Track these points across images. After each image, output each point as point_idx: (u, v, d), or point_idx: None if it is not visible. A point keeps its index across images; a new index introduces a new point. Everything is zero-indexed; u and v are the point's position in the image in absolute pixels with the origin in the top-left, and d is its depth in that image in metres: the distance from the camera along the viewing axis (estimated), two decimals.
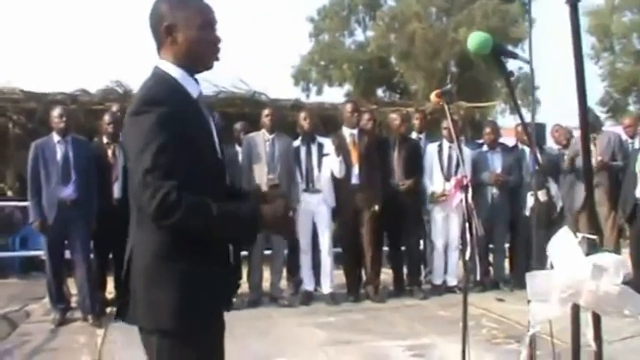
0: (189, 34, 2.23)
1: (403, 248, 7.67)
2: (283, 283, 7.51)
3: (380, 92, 24.56)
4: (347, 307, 6.93)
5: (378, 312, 6.66)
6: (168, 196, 2.00)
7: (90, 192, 6.22)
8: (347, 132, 7.32)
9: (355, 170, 7.15)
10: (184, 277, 2.14)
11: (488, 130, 8.09)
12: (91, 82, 12.38)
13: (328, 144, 7.19)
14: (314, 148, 7.20)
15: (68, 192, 6.11)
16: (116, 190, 6.44)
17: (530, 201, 7.33)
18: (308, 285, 7.22)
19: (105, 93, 10.28)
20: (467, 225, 3.99)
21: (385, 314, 6.55)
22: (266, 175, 6.90)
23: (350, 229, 7.25)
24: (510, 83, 2.36)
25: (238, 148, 7.31)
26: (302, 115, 7.37)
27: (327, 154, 7.14)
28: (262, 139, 7.09)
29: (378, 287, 7.31)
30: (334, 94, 25.40)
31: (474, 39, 2.30)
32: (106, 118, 6.70)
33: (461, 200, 4.08)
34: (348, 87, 24.87)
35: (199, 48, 2.25)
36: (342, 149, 7.09)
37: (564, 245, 1.80)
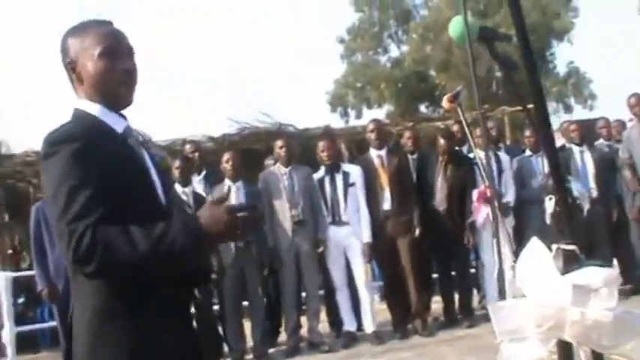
0: (90, 68, 2.11)
1: (454, 273, 7.35)
2: (323, 326, 7.28)
3: (423, 108, 24.23)
4: (393, 345, 6.68)
5: (427, 347, 6.40)
6: (83, 237, 1.83)
7: None
8: (374, 154, 7.14)
9: (386, 194, 6.92)
10: (130, 338, 1.96)
11: (528, 133, 7.78)
12: None
13: (355, 171, 6.97)
14: (339, 178, 7.01)
15: None
16: None
17: (549, 206, 6.72)
18: (349, 325, 6.97)
19: None
20: (494, 241, 3.70)
21: (435, 349, 6.30)
22: (288, 212, 6.74)
23: (387, 260, 6.99)
24: (507, 68, 2.09)
25: None
26: (320, 145, 7.19)
27: (353, 184, 6.91)
28: (279, 173, 6.94)
29: (426, 320, 7.03)
30: (374, 117, 25.23)
31: (455, 25, 2.09)
32: None
33: (487, 215, 3.82)
34: (388, 107, 24.61)
35: (102, 81, 2.11)
36: (369, 173, 6.90)
37: (535, 262, 1.52)
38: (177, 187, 6.56)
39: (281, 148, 7.03)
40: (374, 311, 6.97)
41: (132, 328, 1.97)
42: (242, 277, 6.70)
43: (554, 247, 1.53)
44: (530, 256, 1.55)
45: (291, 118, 11.20)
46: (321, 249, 6.86)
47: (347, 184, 6.96)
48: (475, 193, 4.29)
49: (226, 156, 6.90)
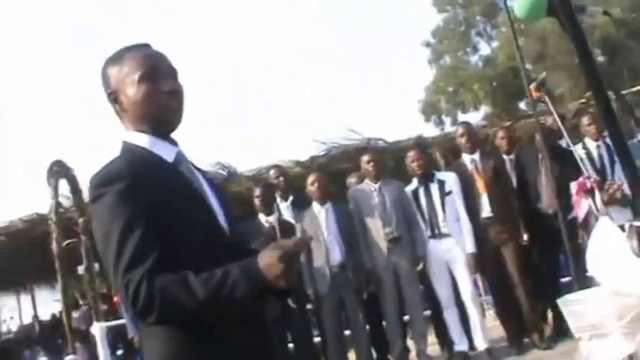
0: (131, 94, 2.07)
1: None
2: (433, 348, 7.04)
3: (523, 105, 23.53)
4: None
5: None
6: (140, 289, 1.82)
7: None
8: (467, 159, 6.89)
9: (484, 201, 6.64)
10: None
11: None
12: None
13: (451, 179, 6.74)
14: (434, 188, 6.77)
15: None
16: None
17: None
18: (460, 345, 6.68)
19: None
20: None
21: None
22: (382, 229, 6.57)
23: (494, 271, 6.70)
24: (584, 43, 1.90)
25: None
26: (409, 156, 6.99)
27: (449, 192, 6.68)
28: (368, 190, 6.78)
29: (543, 331, 6.64)
30: (471, 121, 24.69)
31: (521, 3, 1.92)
32: None
33: (589, 208, 3.55)
34: (485, 108, 24.05)
35: (146, 107, 2.07)
36: (465, 180, 6.66)
37: (606, 245, 1.32)
38: (261, 217, 6.52)
39: (368, 163, 6.87)
40: (485, 327, 6.66)
41: None
42: (340, 304, 6.57)
43: (626, 225, 1.33)
44: (600, 239, 1.36)
45: (381, 132, 11.03)
46: (420, 266, 6.65)
47: (443, 193, 6.71)
48: (573, 186, 3.95)
49: (311, 178, 6.81)
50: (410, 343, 6.97)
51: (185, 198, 2.01)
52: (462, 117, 24.19)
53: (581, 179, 3.71)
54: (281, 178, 7.41)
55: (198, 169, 2.20)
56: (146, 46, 2.16)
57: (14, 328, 18.79)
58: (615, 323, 1.33)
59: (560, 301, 1.45)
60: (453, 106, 24.54)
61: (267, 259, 1.84)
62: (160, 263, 1.85)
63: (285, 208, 7.24)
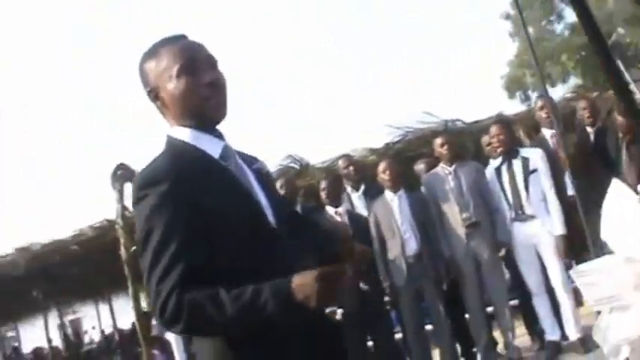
0: (171, 89, 2.10)
1: None
2: (523, 339, 6.91)
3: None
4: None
5: None
6: (168, 301, 1.88)
7: None
8: (547, 133, 6.76)
9: (567, 178, 6.44)
10: None
11: None
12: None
13: (536, 156, 6.59)
14: (517, 165, 6.62)
15: None
16: None
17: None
18: (551, 334, 6.53)
19: (280, 172, 10.52)
20: None
21: None
22: (459, 215, 6.49)
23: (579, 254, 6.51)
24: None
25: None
26: (490, 132, 6.87)
27: (534, 171, 6.53)
28: (443, 173, 6.71)
29: None
30: (559, 94, 24.06)
31: None
32: None
33: None
34: (574, 80, 23.35)
35: (187, 101, 2.09)
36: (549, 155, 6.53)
37: (620, 210, 1.28)
38: (329, 209, 6.53)
39: (442, 145, 6.81)
40: (578, 315, 6.49)
41: None
42: (419, 297, 6.54)
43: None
44: (613, 203, 1.32)
45: (460, 113, 10.82)
46: (502, 252, 6.54)
47: (527, 172, 6.54)
48: None
49: (382, 166, 6.79)
50: (497, 334, 6.83)
51: (231, 196, 2.03)
52: (550, 91, 23.50)
53: None
54: (351, 168, 7.41)
55: (246, 158, 2.22)
56: (182, 37, 2.19)
57: (96, 337, 19.47)
58: (633, 293, 1.28)
59: (572, 272, 1.41)
60: (540, 81, 23.90)
61: (302, 279, 1.86)
62: (195, 272, 1.89)
63: (357, 199, 7.24)
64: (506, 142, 6.69)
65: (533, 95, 23.80)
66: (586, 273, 1.39)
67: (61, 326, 14.58)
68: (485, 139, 7.12)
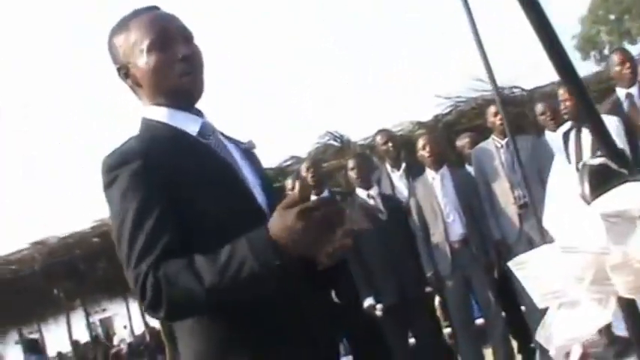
0: (142, 66, 2.09)
1: None
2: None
3: None
4: None
5: None
6: (146, 282, 1.84)
7: None
8: (621, 93, 6.54)
9: None
10: None
11: None
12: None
13: (610, 124, 6.39)
14: (586, 134, 6.40)
15: None
16: None
17: None
18: (619, 327, 6.37)
19: (318, 150, 10.48)
20: None
21: None
22: (511, 193, 6.35)
23: None
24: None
25: (470, 169, 6.88)
26: (559, 95, 6.66)
27: None
28: (494, 147, 6.58)
29: None
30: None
31: None
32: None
33: None
34: None
35: (160, 78, 2.08)
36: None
37: (559, 190, 1.21)
38: (360, 192, 6.45)
39: (495, 115, 6.67)
40: None
41: None
42: (467, 287, 6.43)
43: (580, 164, 1.21)
44: (555, 184, 1.23)
45: (517, 79, 10.58)
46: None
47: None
48: None
49: (421, 141, 6.69)
50: None
51: (213, 174, 2.02)
52: (630, 50, 23.03)
53: None
54: (390, 144, 7.29)
55: (231, 139, 2.21)
56: (154, 8, 2.18)
57: (127, 337, 19.82)
58: (578, 287, 1.20)
59: (510, 264, 1.33)
60: (618, 38, 23.40)
61: (279, 223, 1.76)
62: (173, 249, 1.86)
63: (397, 179, 7.14)
64: (576, 107, 6.48)
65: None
66: (526, 265, 1.31)
67: (89, 326, 14.80)
68: (539, 107, 6.95)
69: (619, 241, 1.16)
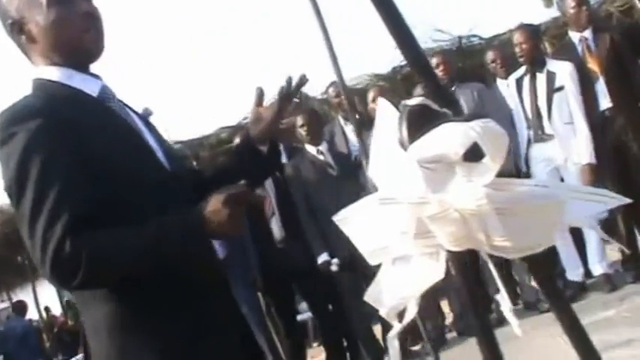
0: (41, 21, 2.01)
1: None
2: None
3: None
4: (629, 289, 6.07)
5: None
6: (63, 247, 1.76)
7: (241, 242, 6.16)
8: (575, 37, 6.46)
9: (601, 89, 6.22)
10: (158, 352, 1.90)
11: None
12: None
13: (564, 70, 6.33)
14: (541, 79, 6.38)
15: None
16: (276, 229, 6.32)
17: None
18: (573, 274, 6.42)
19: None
20: None
21: None
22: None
23: (615, 177, 6.30)
24: None
25: None
26: (514, 40, 6.62)
27: (560, 88, 6.29)
28: None
29: None
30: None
31: None
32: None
33: None
34: None
35: (61, 34, 2.01)
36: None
37: (383, 136, 1.17)
38: (309, 148, 6.39)
39: (438, 66, 6.64)
40: (603, 249, 6.38)
41: (156, 341, 1.90)
42: None
43: (401, 104, 1.17)
44: (380, 127, 1.19)
45: (477, 29, 10.47)
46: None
47: (552, 89, 6.32)
48: None
49: (372, 94, 6.64)
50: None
51: (117, 134, 1.98)
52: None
53: None
54: (342, 97, 7.20)
55: (129, 107, 2.16)
56: None
57: None
58: (407, 241, 1.16)
59: (335, 219, 1.29)
60: None
61: (211, 205, 1.83)
62: (87, 214, 1.81)
63: (350, 132, 7.07)
64: (531, 52, 6.46)
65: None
66: (350, 219, 1.26)
67: (59, 292, 14.66)
68: (489, 55, 6.91)
69: (437, 188, 1.12)
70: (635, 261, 6.31)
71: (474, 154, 1.17)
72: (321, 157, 6.34)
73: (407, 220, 1.18)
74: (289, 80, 2.28)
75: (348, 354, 6.54)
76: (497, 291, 1.36)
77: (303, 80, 2.30)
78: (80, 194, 1.81)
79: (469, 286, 1.31)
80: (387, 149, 1.22)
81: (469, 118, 1.18)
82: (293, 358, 6.52)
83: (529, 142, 6.39)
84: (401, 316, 1.32)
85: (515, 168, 6.38)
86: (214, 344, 1.94)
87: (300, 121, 6.49)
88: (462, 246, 1.19)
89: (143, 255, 1.81)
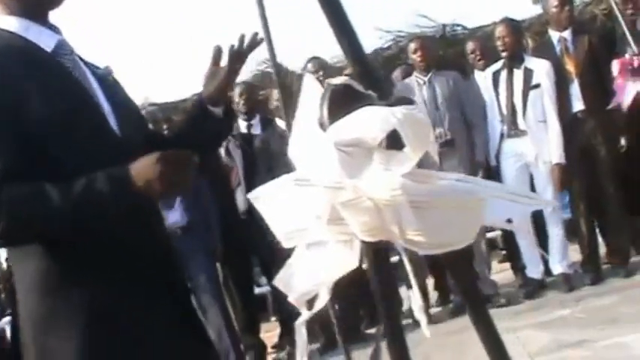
0: None
1: None
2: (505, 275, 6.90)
3: None
4: (587, 291, 6.11)
5: (630, 291, 5.71)
6: None
7: (205, 210, 6.11)
8: (554, 37, 6.45)
9: (575, 91, 6.21)
10: (88, 314, 1.86)
11: None
12: None
13: (541, 68, 6.32)
14: (518, 75, 6.37)
15: (174, 218, 6.02)
16: (240, 200, 6.28)
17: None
18: (533, 271, 6.45)
19: (256, 79, 10.30)
20: None
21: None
22: (432, 132, 6.25)
23: (582, 180, 6.32)
24: None
25: None
26: (495, 34, 6.62)
27: (537, 86, 6.29)
28: (416, 83, 6.52)
29: (627, 255, 6.37)
30: None
31: None
32: None
33: (637, 94, 3.23)
34: None
35: None
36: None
37: (304, 115, 1.15)
38: (279, 122, 6.35)
39: (415, 52, 6.59)
40: (565, 249, 6.42)
41: (87, 298, 1.86)
42: None
43: (326, 83, 1.14)
44: (303, 106, 1.16)
45: (462, 19, 10.42)
46: (480, 175, 6.36)
47: (528, 86, 6.32)
48: (616, 65, 3.41)
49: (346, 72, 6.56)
50: None
51: (62, 93, 1.93)
52: None
53: (628, 56, 3.29)
54: (321, 72, 7.11)
55: (88, 64, 2.11)
56: None
57: None
58: (322, 226, 1.12)
59: (250, 196, 1.26)
60: None
61: (142, 162, 1.81)
62: (15, 167, 1.78)
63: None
64: (512, 46, 6.44)
65: None
66: (265, 198, 1.22)
67: None
68: (469, 45, 6.91)
69: (353, 174, 1.08)
70: (594, 263, 6.35)
71: (395, 141, 1.12)
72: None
73: (321, 204, 1.14)
74: (241, 39, 2.23)
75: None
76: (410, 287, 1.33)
77: (255, 40, 2.27)
78: (6, 150, 1.79)
79: (381, 282, 1.27)
80: (308, 128, 1.18)
81: (393, 103, 1.13)
82: (246, 330, 6.51)
83: (502, 136, 6.39)
84: (311, 303, 1.28)
85: (486, 161, 6.39)
86: (146, 314, 1.91)
87: (274, 95, 6.46)
88: (375, 237, 1.15)
89: (65, 209, 1.77)
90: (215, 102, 2.26)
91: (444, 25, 10.36)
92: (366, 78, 1.19)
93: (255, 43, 2.29)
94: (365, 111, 1.12)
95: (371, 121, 1.10)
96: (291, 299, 1.27)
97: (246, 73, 10.34)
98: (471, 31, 10.22)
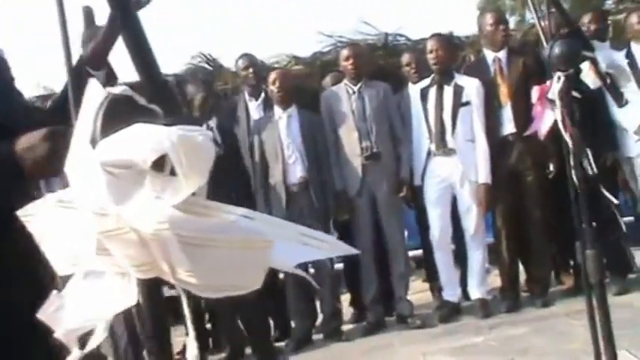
0: None
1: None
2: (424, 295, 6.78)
3: None
4: (502, 318, 6.01)
5: (545, 322, 5.64)
6: None
7: None
8: (489, 56, 6.33)
9: (507, 112, 6.11)
10: None
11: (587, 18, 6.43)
12: None
13: (472, 86, 6.20)
14: (448, 92, 6.23)
15: None
16: None
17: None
18: (449, 294, 6.32)
19: (189, 73, 10.05)
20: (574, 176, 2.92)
21: (556, 324, 5.49)
22: (358, 143, 6.12)
23: (507, 204, 6.20)
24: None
25: None
26: (428, 46, 6.42)
27: (466, 103, 6.15)
28: (345, 93, 6.34)
29: (547, 285, 6.32)
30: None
31: None
32: None
33: (554, 124, 3.09)
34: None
35: None
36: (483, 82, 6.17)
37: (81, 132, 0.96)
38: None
39: (347, 59, 6.40)
40: (484, 274, 6.33)
41: None
42: None
43: (106, 91, 0.96)
44: (83, 115, 0.97)
45: (406, 28, 10.35)
46: (404, 192, 6.22)
47: (458, 102, 6.18)
48: (535, 92, 3.28)
49: (272, 75, 6.37)
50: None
51: None
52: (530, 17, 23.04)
53: (547, 83, 3.13)
54: (250, 70, 6.87)
55: None
56: None
57: None
58: (101, 257, 0.92)
59: (19, 213, 1.07)
60: (521, 4, 23.31)
61: (27, 139, 1.72)
62: None
63: (254, 108, 6.78)
64: (443, 60, 6.28)
65: (512, 20, 23.24)
66: (35, 217, 1.03)
67: None
68: (404, 57, 6.74)
69: (120, 200, 0.87)
70: (513, 290, 6.25)
71: (170, 167, 0.93)
72: (210, 133, 6.03)
73: (89, 231, 0.93)
74: None
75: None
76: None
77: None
78: None
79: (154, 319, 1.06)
80: (82, 142, 0.97)
81: (174, 122, 0.94)
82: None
83: (429, 154, 6.23)
84: (83, 340, 1.07)
85: (410, 179, 6.24)
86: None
87: (190, 89, 6.21)
88: (146, 273, 0.95)
89: None
90: (95, 65, 2.14)
91: (387, 34, 10.24)
92: (151, 88, 0.98)
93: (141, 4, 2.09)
94: (138, 128, 0.92)
95: (143, 140, 0.90)
96: (57, 335, 1.06)
97: (178, 67, 10.11)
98: (413, 43, 10.09)
